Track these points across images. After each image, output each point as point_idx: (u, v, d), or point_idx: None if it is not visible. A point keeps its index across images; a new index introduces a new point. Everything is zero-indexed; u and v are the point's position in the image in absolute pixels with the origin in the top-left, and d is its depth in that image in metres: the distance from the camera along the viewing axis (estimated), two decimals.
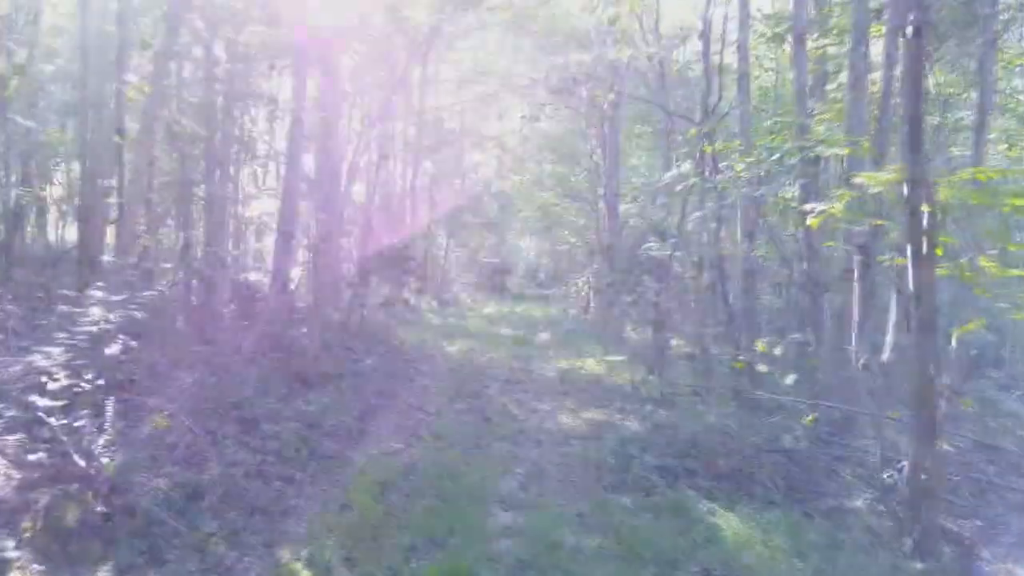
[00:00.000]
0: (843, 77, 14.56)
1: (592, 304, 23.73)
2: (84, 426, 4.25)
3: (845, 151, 5.25)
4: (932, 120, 10.03)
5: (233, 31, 8.08)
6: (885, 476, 4.68)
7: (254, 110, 8.20)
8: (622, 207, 20.21)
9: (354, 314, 12.02)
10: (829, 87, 11.00)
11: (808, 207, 4.90)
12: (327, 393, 8.62)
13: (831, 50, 11.04)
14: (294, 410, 7.42)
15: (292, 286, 10.69)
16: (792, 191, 7.93)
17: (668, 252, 9.15)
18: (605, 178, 18.13)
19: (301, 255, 13.59)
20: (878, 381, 8.60)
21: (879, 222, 5.34)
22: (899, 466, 4.76)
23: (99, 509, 3.99)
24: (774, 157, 6.61)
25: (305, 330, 10.63)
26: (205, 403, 6.56)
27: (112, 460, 4.28)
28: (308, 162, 13.67)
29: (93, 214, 9.72)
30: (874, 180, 4.25)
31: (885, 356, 8.83)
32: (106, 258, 6.80)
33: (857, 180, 4.44)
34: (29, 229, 15.27)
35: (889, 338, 9.09)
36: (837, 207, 4.63)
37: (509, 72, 20.45)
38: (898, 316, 9.57)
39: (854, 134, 7.59)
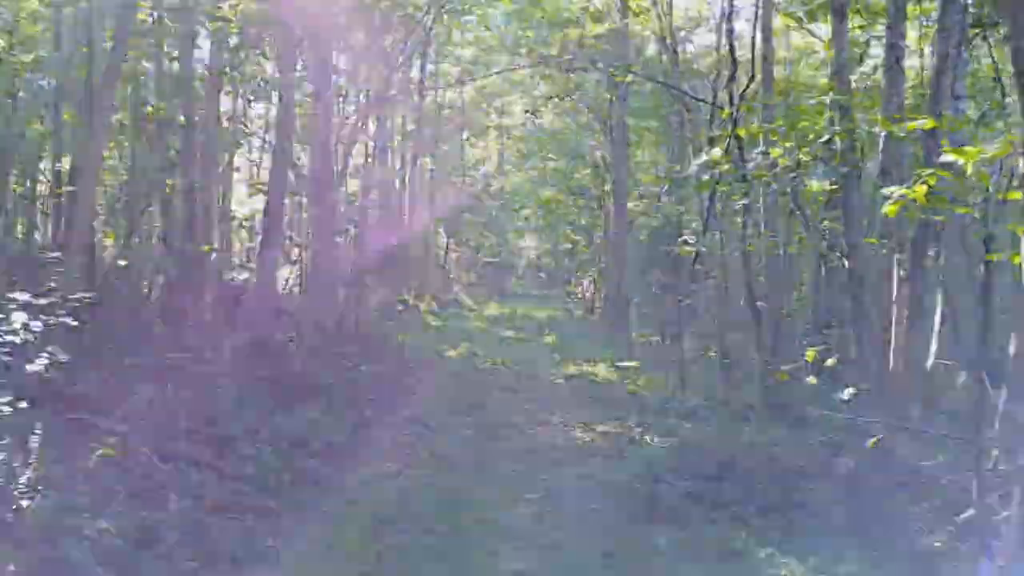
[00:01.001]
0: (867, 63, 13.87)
1: (598, 305, 22.92)
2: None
3: (928, 124, 4.45)
4: None
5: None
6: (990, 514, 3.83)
7: (239, 89, 7.34)
8: (630, 204, 19.42)
9: (348, 317, 11.19)
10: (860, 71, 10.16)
11: (889, 191, 4.04)
12: (316, 405, 7.78)
13: (855, 33, 10.29)
14: (277, 426, 6.59)
15: (281, 286, 9.84)
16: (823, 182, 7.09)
17: (693, 250, 8.34)
18: (613, 172, 17.29)
19: (294, 254, 12.80)
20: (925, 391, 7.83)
21: (965, 208, 4.49)
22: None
23: (12, 569, 3.15)
24: (823, 139, 5.79)
25: (294, 335, 9.82)
26: (171, 421, 5.72)
27: (36, 503, 3.45)
28: (299, 153, 12.85)
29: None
30: (970, 156, 3.42)
31: (929, 363, 8.03)
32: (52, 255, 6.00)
33: (948, 158, 3.58)
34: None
35: (934, 344, 8.28)
36: (920, 190, 3.79)
37: (513, 61, 19.50)
38: (944, 318, 8.78)
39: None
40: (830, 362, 5.41)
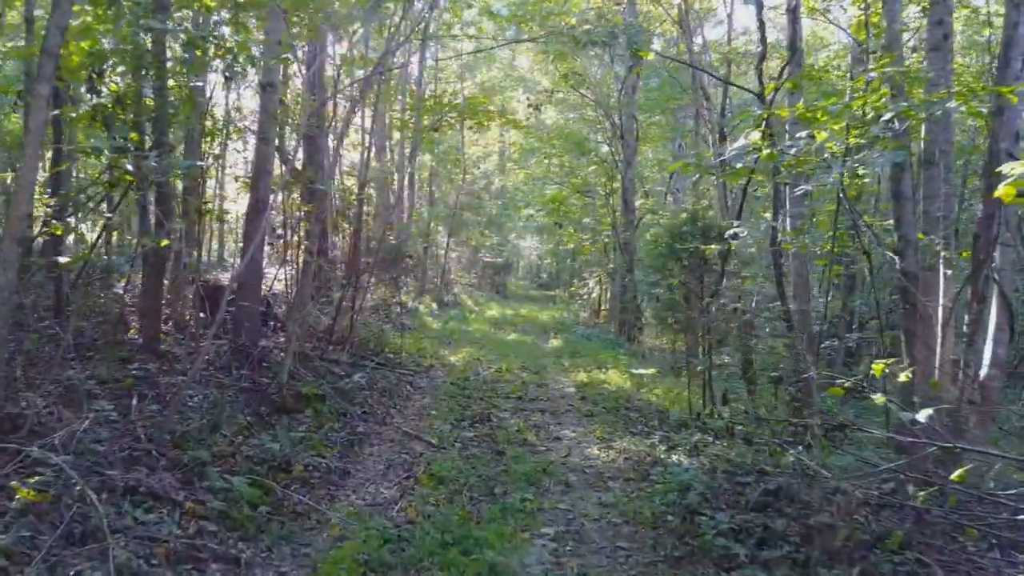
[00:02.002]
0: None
1: (604, 307, 22.09)
2: None
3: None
4: None
5: None
6: None
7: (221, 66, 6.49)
8: (637, 201, 18.61)
9: (342, 320, 10.35)
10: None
11: (1006, 167, 3.24)
12: (303, 420, 6.98)
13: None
14: (255, 447, 5.76)
15: (267, 286, 9.01)
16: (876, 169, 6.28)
17: (723, 247, 7.52)
18: (622, 167, 16.47)
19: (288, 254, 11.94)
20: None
21: None
22: None
23: None
24: (885, 117, 4.98)
25: (282, 339, 8.99)
26: (127, 445, 4.89)
27: None
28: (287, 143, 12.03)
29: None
30: None
31: (984, 373, 7.22)
32: None
33: None
34: None
35: (987, 352, 7.46)
36: None
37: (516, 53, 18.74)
38: (999, 324, 7.98)
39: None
40: (904, 376, 4.58)
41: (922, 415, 4.34)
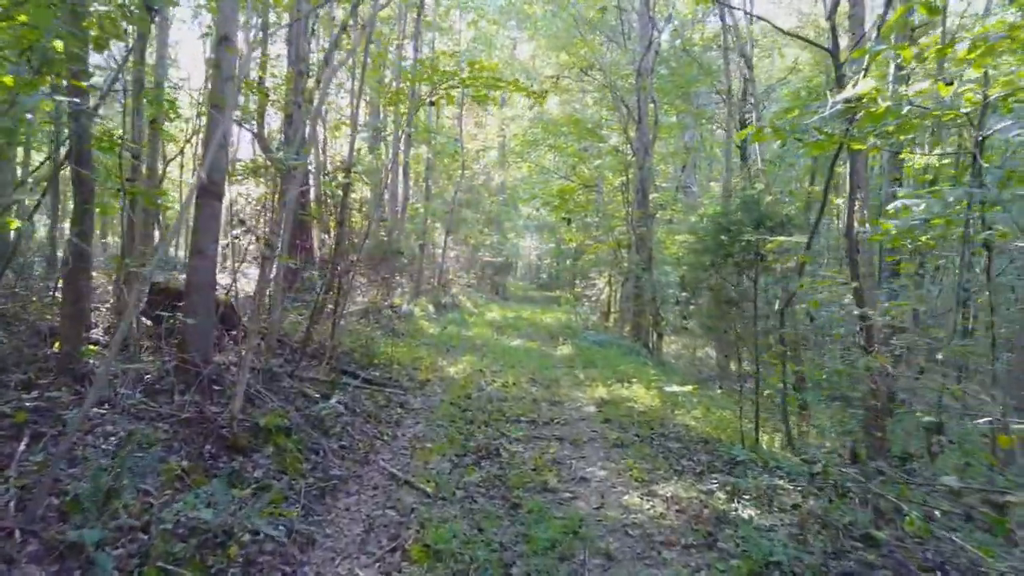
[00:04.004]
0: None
1: (614, 309, 20.53)
2: None
3: None
4: None
5: None
6: None
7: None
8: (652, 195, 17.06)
9: (321, 328, 8.77)
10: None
11: None
12: (260, 463, 5.39)
13: None
14: (184, 511, 4.18)
15: (224, 287, 7.44)
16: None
17: (798, 241, 5.97)
18: (639, 155, 14.89)
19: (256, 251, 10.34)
20: None
21: None
22: None
23: None
24: None
25: (239, 353, 7.39)
26: None
27: None
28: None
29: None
30: None
31: None
32: None
33: None
34: None
35: None
36: None
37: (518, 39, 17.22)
38: None
39: None
40: None
41: None
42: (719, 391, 10.24)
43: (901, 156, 7.50)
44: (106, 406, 5.23)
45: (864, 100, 4.33)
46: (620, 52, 17.72)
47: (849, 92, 4.20)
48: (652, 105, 15.20)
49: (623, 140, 17.29)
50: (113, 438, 4.84)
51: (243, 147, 24.06)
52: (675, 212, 21.50)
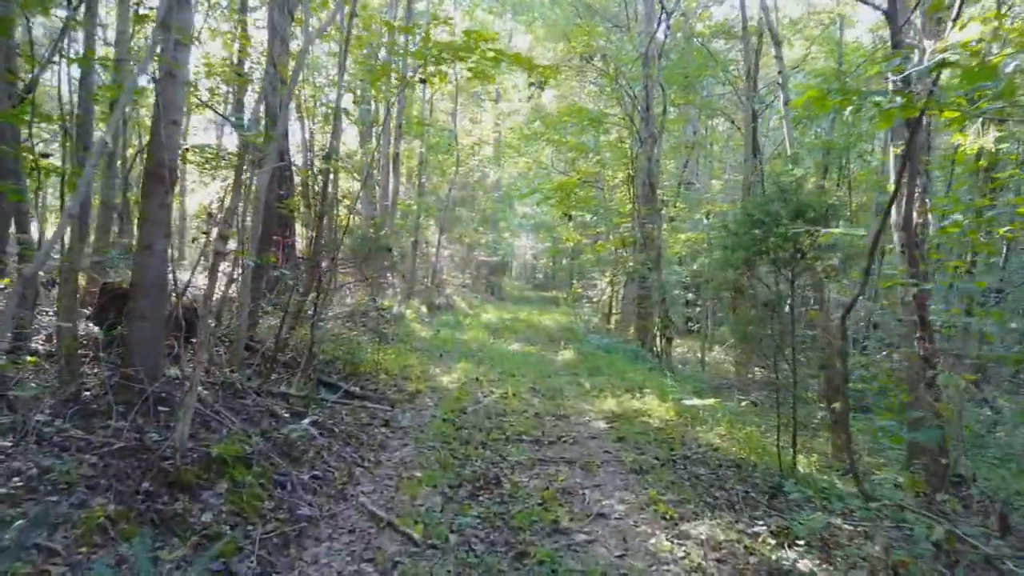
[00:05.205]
0: None
1: (616, 311, 19.60)
2: None
3: None
4: None
5: None
6: None
7: None
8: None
9: (296, 334, 7.80)
10: None
11: None
12: (210, 503, 4.42)
13: None
14: (108, 568, 3.22)
15: (176, 286, 6.47)
16: None
17: (856, 233, 5.08)
18: (646, 146, 13.97)
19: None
20: None
21: None
22: None
23: None
24: None
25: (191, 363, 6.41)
26: None
27: None
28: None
29: None
30: None
31: None
32: None
33: None
34: None
35: None
36: None
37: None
38: None
39: None
40: None
41: None
42: (742, 403, 9.30)
43: (955, 138, 6.59)
44: (12, 436, 4.25)
45: (966, 52, 3.41)
46: (625, 37, 16.80)
47: (956, 36, 3.27)
48: (660, 92, 14.29)
49: (627, 132, 16.37)
50: (18, 478, 3.87)
51: (228, 140, 23.00)
52: (678, 209, 20.60)
